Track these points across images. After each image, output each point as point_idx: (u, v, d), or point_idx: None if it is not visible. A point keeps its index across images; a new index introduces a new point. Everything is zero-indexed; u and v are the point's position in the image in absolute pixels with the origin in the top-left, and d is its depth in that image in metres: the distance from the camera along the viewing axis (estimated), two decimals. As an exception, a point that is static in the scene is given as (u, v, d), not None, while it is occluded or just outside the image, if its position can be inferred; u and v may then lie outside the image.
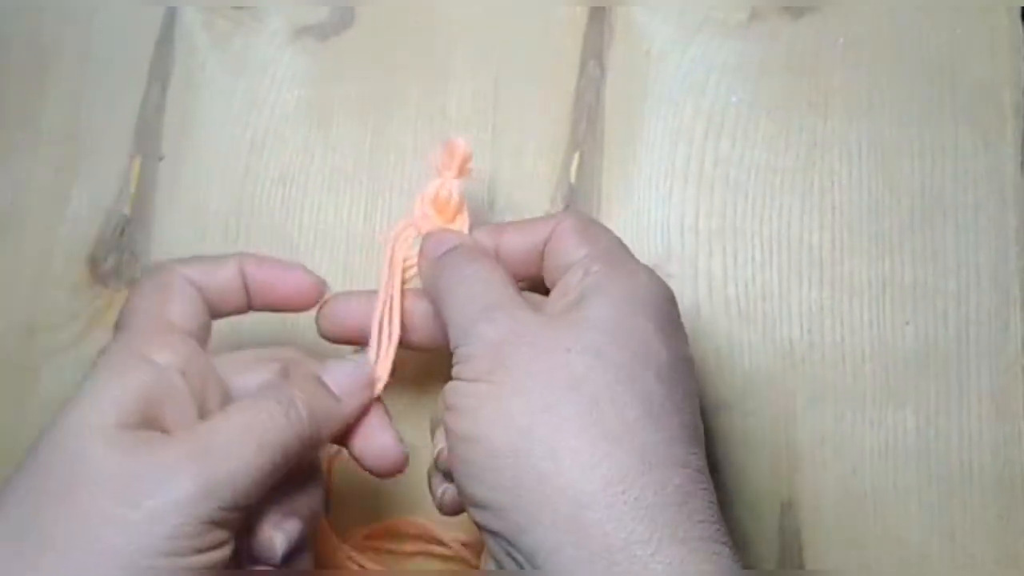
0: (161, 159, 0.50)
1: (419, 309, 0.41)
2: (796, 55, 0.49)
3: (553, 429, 0.32)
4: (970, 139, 0.47)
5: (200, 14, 0.52)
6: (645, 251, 0.47)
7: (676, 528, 0.31)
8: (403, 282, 0.41)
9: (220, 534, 0.33)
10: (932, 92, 0.47)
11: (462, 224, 0.42)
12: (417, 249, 0.41)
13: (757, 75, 0.48)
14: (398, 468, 0.39)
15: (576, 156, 0.49)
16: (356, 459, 0.39)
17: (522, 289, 0.38)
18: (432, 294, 0.39)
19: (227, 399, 0.37)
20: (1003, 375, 0.44)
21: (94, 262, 0.50)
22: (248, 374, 0.38)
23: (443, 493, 0.38)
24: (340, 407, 0.37)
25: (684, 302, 0.46)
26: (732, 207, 0.47)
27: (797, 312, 0.46)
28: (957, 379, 0.45)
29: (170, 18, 0.52)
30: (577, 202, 0.48)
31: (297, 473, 0.36)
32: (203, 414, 0.35)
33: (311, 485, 0.38)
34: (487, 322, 0.35)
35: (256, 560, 0.35)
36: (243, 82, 0.51)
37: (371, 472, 0.39)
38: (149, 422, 0.34)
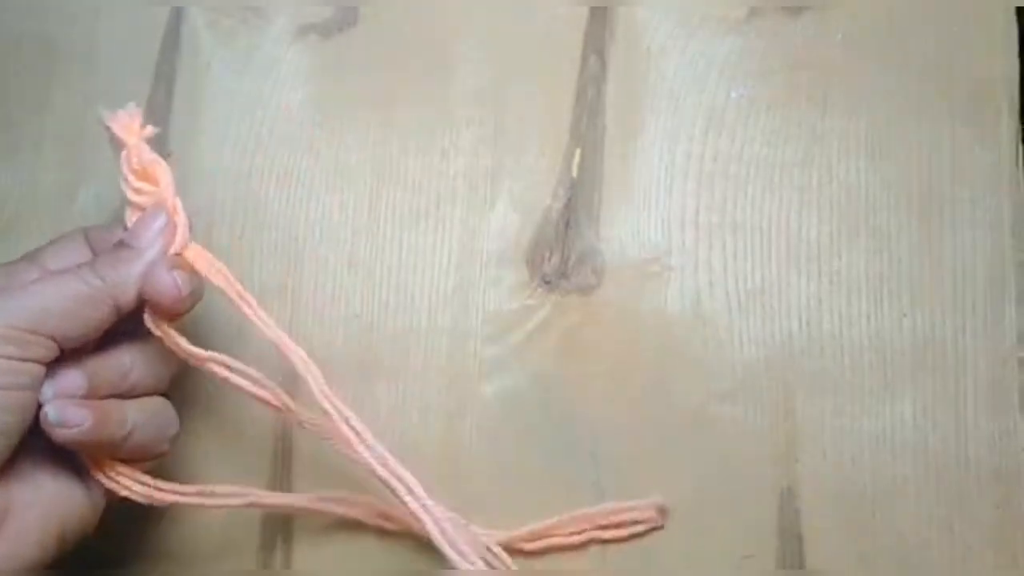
0: (169, 155, 0.51)
1: None
2: (795, 52, 0.49)
3: None
4: (967, 135, 0.47)
5: (205, 14, 0.52)
6: (646, 245, 0.47)
7: None
8: None
9: (8, 348, 0.38)
10: (929, 88, 0.48)
11: (165, 180, 0.42)
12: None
13: (757, 71, 0.49)
14: (176, 304, 0.41)
15: (577, 151, 0.49)
16: (147, 302, 0.41)
17: None
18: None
19: None
20: (999, 368, 0.45)
21: (102, 259, 0.50)
22: None
23: None
24: (141, 254, 0.41)
25: (684, 295, 0.47)
26: (732, 201, 0.48)
27: (796, 305, 0.46)
28: (954, 372, 0.45)
29: (175, 18, 0.53)
30: (578, 197, 0.48)
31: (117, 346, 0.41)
32: None
33: (131, 356, 0.42)
34: None
35: None
36: (248, 81, 0.51)
37: (157, 311, 0.41)
38: None
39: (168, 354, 0.42)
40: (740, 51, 0.49)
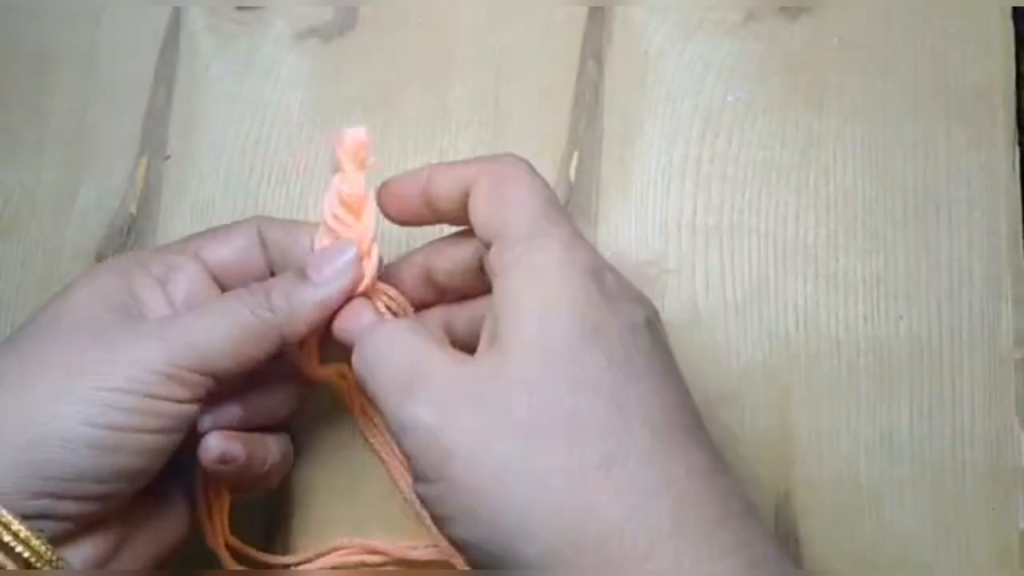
0: (167, 158, 0.51)
1: None
2: (792, 54, 0.49)
3: (528, 519, 0.31)
4: (963, 136, 0.47)
5: (205, 16, 0.53)
6: (643, 247, 0.48)
7: (679, 560, 0.30)
8: None
9: (176, 389, 0.36)
10: (926, 90, 0.48)
11: (369, 218, 0.40)
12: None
13: (754, 74, 0.49)
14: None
15: (575, 154, 0.49)
16: (339, 339, 0.39)
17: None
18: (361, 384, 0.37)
19: None
20: (995, 370, 0.45)
21: (101, 261, 0.50)
22: None
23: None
24: (319, 291, 0.38)
25: (682, 297, 0.47)
26: (729, 204, 0.48)
27: (793, 307, 0.46)
28: (950, 373, 0.45)
29: (175, 20, 0.53)
30: (576, 199, 0.48)
31: (265, 380, 0.40)
32: None
33: (277, 393, 0.41)
34: (413, 404, 0.33)
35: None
36: (248, 83, 0.52)
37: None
38: (129, 312, 0.37)
39: (296, 384, 0.42)
40: (737, 54, 0.49)
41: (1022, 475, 0.44)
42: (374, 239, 0.40)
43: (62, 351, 0.36)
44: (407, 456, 0.34)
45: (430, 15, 0.51)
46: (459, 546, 0.33)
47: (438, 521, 0.34)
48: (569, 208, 0.48)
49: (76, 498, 0.35)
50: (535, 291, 0.33)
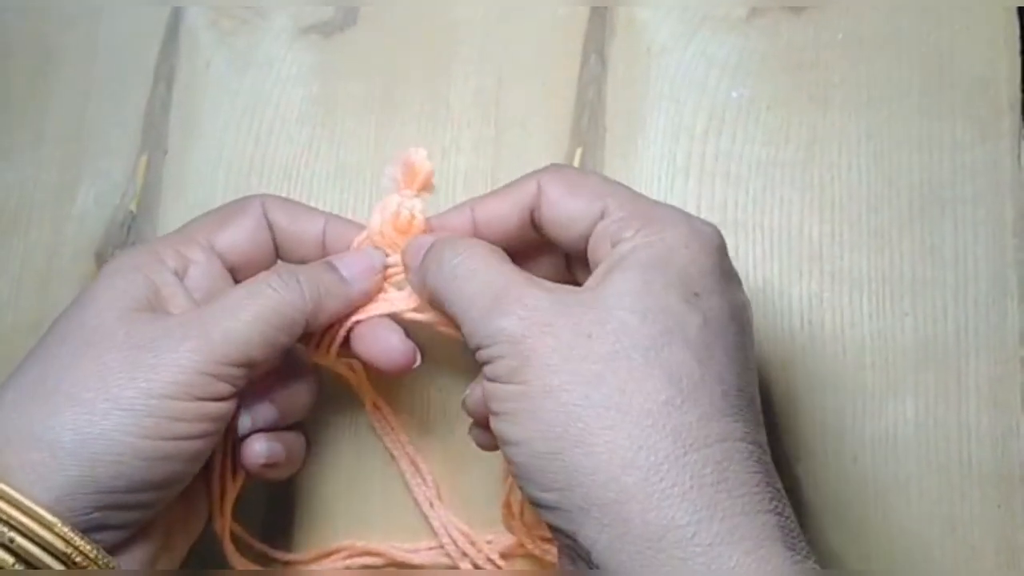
0: (165, 154, 0.51)
1: None
2: (796, 51, 0.49)
3: (585, 426, 0.32)
4: (968, 133, 0.47)
5: (205, 13, 0.52)
6: (647, 245, 0.47)
7: (715, 508, 0.31)
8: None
9: (220, 387, 0.36)
10: (930, 87, 0.48)
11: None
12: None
13: (757, 71, 0.49)
14: (406, 362, 0.40)
15: (578, 152, 0.49)
16: (365, 360, 0.40)
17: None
18: (434, 299, 0.38)
19: None
20: (1001, 367, 0.45)
21: (101, 259, 0.50)
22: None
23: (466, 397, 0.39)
24: (345, 286, 0.39)
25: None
26: (733, 201, 0.48)
27: (798, 304, 0.46)
28: (956, 370, 0.45)
29: (175, 17, 0.53)
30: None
31: (289, 377, 0.40)
32: None
33: (300, 391, 0.41)
34: (501, 315, 0.34)
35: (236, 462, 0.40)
36: (248, 80, 0.51)
37: (379, 370, 0.40)
38: (153, 309, 0.37)
39: (315, 381, 0.42)
40: (741, 51, 0.49)
41: (1028, 472, 0.44)
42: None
43: (101, 359, 0.36)
44: (484, 362, 0.35)
45: (431, 12, 0.51)
46: (508, 442, 0.34)
47: (497, 417, 0.34)
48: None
49: (131, 508, 0.35)
50: (652, 256, 0.35)
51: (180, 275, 0.39)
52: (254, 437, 0.39)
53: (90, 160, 0.51)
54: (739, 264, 0.46)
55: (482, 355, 0.35)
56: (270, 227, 0.41)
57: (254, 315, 0.37)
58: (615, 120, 0.49)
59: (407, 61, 0.51)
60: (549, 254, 0.41)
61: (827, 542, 0.44)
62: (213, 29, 0.52)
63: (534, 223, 0.39)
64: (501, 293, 0.35)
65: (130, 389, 0.35)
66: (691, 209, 0.47)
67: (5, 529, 0.33)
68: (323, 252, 0.41)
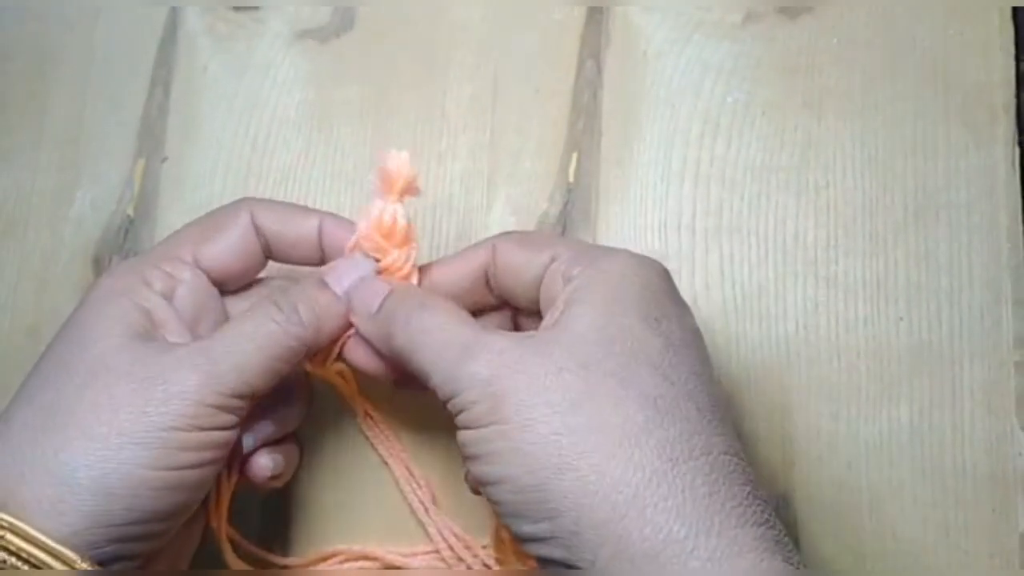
0: (164, 160, 0.51)
1: None
2: (791, 56, 0.49)
3: (567, 452, 0.32)
4: (962, 138, 0.47)
5: (202, 17, 0.52)
6: (642, 249, 0.47)
7: (711, 521, 0.31)
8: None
9: (225, 417, 0.36)
10: (925, 92, 0.48)
11: (410, 250, 0.40)
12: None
13: (753, 75, 0.49)
14: (398, 370, 0.40)
15: (574, 156, 0.49)
16: (358, 369, 0.41)
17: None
18: (393, 350, 0.38)
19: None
20: (995, 371, 0.45)
21: (98, 263, 0.50)
22: (251, 298, 0.42)
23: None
24: (340, 305, 0.40)
25: (681, 300, 0.47)
26: (728, 206, 0.48)
27: (792, 309, 0.46)
28: (950, 375, 0.45)
29: (172, 21, 0.53)
30: (575, 201, 0.48)
31: (285, 391, 0.41)
32: (195, 336, 0.39)
33: (296, 402, 0.42)
34: (471, 360, 0.35)
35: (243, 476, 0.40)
36: (245, 84, 0.51)
37: (370, 374, 0.41)
38: (150, 336, 0.38)
39: (307, 391, 0.43)
40: (736, 55, 0.49)
41: (1022, 477, 0.44)
42: (414, 267, 0.40)
43: (110, 391, 0.36)
44: (457, 411, 0.35)
45: (427, 17, 0.51)
46: (491, 482, 0.34)
47: (476, 461, 0.35)
48: (568, 210, 0.48)
49: (142, 539, 0.36)
50: (605, 290, 0.36)
51: (168, 297, 0.39)
52: (258, 454, 0.40)
53: (87, 164, 0.51)
54: (734, 269, 0.47)
55: (455, 404, 0.35)
56: (260, 232, 0.41)
57: (258, 348, 0.37)
58: (610, 125, 0.49)
59: (403, 66, 0.51)
60: (498, 313, 0.42)
61: (822, 547, 0.44)
62: (210, 33, 0.52)
63: (488, 281, 0.40)
64: (469, 342, 0.35)
65: (141, 423, 0.35)
66: (687, 214, 0.48)
67: (26, 567, 0.33)
68: (319, 253, 0.41)
